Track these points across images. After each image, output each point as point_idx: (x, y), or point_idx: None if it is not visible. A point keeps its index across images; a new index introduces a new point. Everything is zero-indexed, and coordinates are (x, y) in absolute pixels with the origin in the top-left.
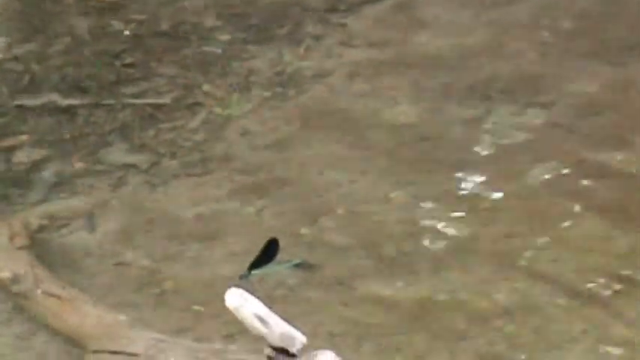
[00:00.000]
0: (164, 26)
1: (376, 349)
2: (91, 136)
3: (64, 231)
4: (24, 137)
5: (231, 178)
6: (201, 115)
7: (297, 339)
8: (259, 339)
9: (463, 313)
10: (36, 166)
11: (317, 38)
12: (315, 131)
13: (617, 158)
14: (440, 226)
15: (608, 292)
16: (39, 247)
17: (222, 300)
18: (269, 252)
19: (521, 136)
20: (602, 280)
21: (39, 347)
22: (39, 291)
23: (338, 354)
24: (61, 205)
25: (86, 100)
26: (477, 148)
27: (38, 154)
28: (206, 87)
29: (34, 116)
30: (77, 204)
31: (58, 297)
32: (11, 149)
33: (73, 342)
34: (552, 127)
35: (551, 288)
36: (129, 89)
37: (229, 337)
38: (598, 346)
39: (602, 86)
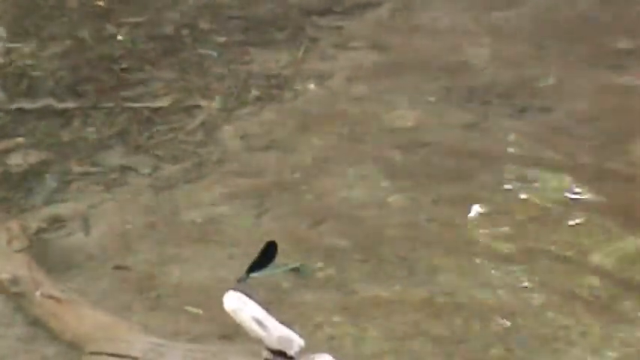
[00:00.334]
0: (162, 30)
1: (374, 353)
2: (89, 139)
3: (62, 233)
4: (20, 140)
5: (228, 181)
6: (199, 117)
7: (295, 342)
8: (257, 342)
9: (461, 316)
10: (34, 169)
11: (315, 41)
12: (314, 134)
13: (616, 162)
14: (438, 229)
15: (608, 295)
16: (37, 249)
17: (221, 303)
18: (267, 255)
19: (519, 141)
20: (603, 283)
21: (40, 349)
22: (37, 293)
23: (336, 357)
24: (59, 208)
25: (84, 104)
26: (475, 152)
27: (37, 157)
28: (204, 90)
29: (32, 119)
30: (75, 207)
31: (57, 299)
32: (8, 152)
33: (71, 344)
34: (551, 131)
35: (551, 290)
36: (127, 92)
37: (227, 340)
38: (597, 349)
39: (601, 90)
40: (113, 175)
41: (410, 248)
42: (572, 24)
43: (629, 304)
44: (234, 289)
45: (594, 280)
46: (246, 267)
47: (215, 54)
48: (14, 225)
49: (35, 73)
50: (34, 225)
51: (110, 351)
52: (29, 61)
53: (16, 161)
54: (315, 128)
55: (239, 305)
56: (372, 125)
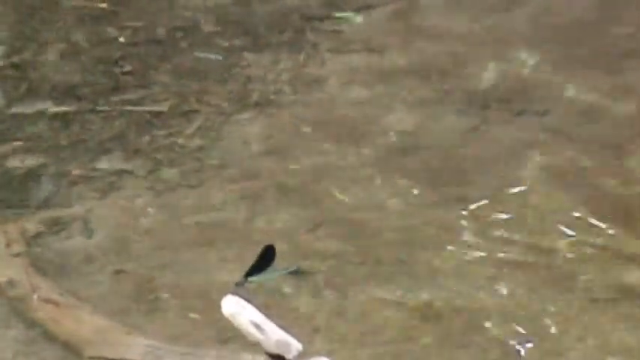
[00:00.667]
0: (161, 33)
1: (372, 357)
2: (87, 142)
3: (60, 237)
4: (19, 143)
5: (227, 186)
6: (198, 122)
7: (293, 346)
8: (255, 346)
9: (461, 319)
10: (32, 172)
11: (315, 45)
12: (313, 138)
13: (615, 165)
14: (437, 232)
15: (609, 297)
16: (35, 253)
17: (219, 307)
18: (265, 259)
19: (518, 144)
20: (603, 285)
21: (39, 352)
22: (35, 297)
23: None
24: (57, 211)
25: (82, 107)
26: (474, 156)
27: (35, 160)
28: (203, 94)
29: (30, 123)
30: (74, 210)
31: (55, 303)
32: (6, 155)
33: (70, 348)
34: (550, 134)
35: (551, 292)
36: (125, 96)
37: (225, 344)
38: (597, 353)
39: (600, 93)
40: (112, 179)
41: (409, 252)
42: (571, 26)
43: (629, 304)
44: (233, 293)
45: (595, 282)
46: (244, 271)
47: (214, 58)
48: (12, 228)
49: (34, 76)
50: (32, 228)
51: (109, 355)
52: (28, 65)
53: (15, 164)
54: (314, 132)
55: (237, 309)
56: (371, 129)
